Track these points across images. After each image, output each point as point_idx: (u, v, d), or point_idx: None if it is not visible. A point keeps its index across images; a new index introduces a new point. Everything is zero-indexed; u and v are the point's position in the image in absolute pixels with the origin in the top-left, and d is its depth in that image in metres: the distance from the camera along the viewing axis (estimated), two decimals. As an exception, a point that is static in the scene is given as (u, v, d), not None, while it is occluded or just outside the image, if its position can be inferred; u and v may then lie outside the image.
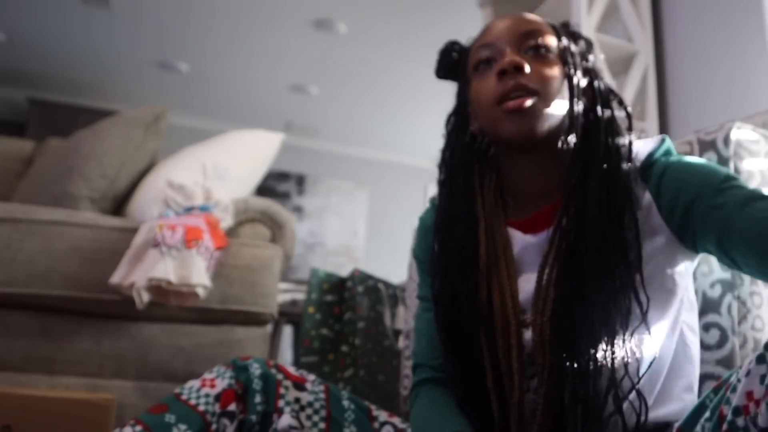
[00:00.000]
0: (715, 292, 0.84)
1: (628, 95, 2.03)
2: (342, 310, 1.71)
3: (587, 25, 2.01)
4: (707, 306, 0.85)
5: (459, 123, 0.82)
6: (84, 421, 1.11)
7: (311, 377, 0.83)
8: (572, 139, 0.73)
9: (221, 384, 0.77)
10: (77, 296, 1.35)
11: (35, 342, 1.34)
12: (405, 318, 1.39)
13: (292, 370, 0.82)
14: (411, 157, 6.09)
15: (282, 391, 0.79)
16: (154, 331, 1.43)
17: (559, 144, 0.73)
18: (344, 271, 2.14)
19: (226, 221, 1.50)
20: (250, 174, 1.76)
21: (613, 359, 0.66)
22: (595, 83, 0.78)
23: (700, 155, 0.89)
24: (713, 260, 0.85)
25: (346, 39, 4.04)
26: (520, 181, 0.78)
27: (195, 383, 0.78)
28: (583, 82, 0.77)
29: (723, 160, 0.86)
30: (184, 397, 0.76)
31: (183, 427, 0.72)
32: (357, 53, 4.22)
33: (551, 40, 0.76)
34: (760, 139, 0.88)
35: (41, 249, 1.35)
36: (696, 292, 0.86)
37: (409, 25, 3.81)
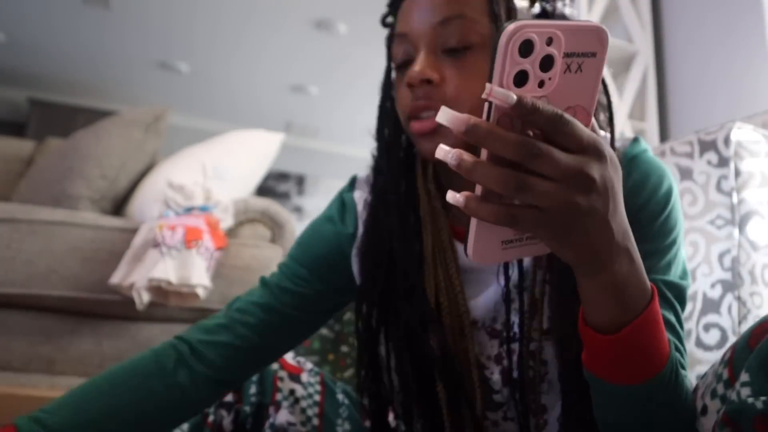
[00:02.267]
0: (716, 293, 0.84)
1: (628, 95, 2.03)
2: (342, 310, 1.71)
3: (587, 25, 2.00)
4: (707, 306, 0.85)
5: (391, 106, 0.72)
6: (84, 421, 1.11)
7: (308, 366, 0.82)
8: None
9: None
10: (77, 296, 1.34)
11: (35, 342, 1.34)
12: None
13: (289, 357, 0.81)
14: (411, 157, 6.09)
15: (279, 384, 0.78)
16: (154, 332, 1.43)
17: None
18: (344, 271, 2.13)
19: (226, 221, 1.50)
20: (250, 174, 1.76)
21: None
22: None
23: (701, 155, 0.89)
24: (713, 260, 0.85)
25: (346, 39, 4.04)
26: (458, 183, 0.63)
27: None
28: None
29: (723, 160, 0.86)
30: None
31: None
32: (357, 53, 4.22)
33: (475, 28, 0.58)
34: (760, 139, 0.88)
35: (41, 249, 1.35)
36: (696, 292, 0.86)
37: (409, 25, 3.81)
